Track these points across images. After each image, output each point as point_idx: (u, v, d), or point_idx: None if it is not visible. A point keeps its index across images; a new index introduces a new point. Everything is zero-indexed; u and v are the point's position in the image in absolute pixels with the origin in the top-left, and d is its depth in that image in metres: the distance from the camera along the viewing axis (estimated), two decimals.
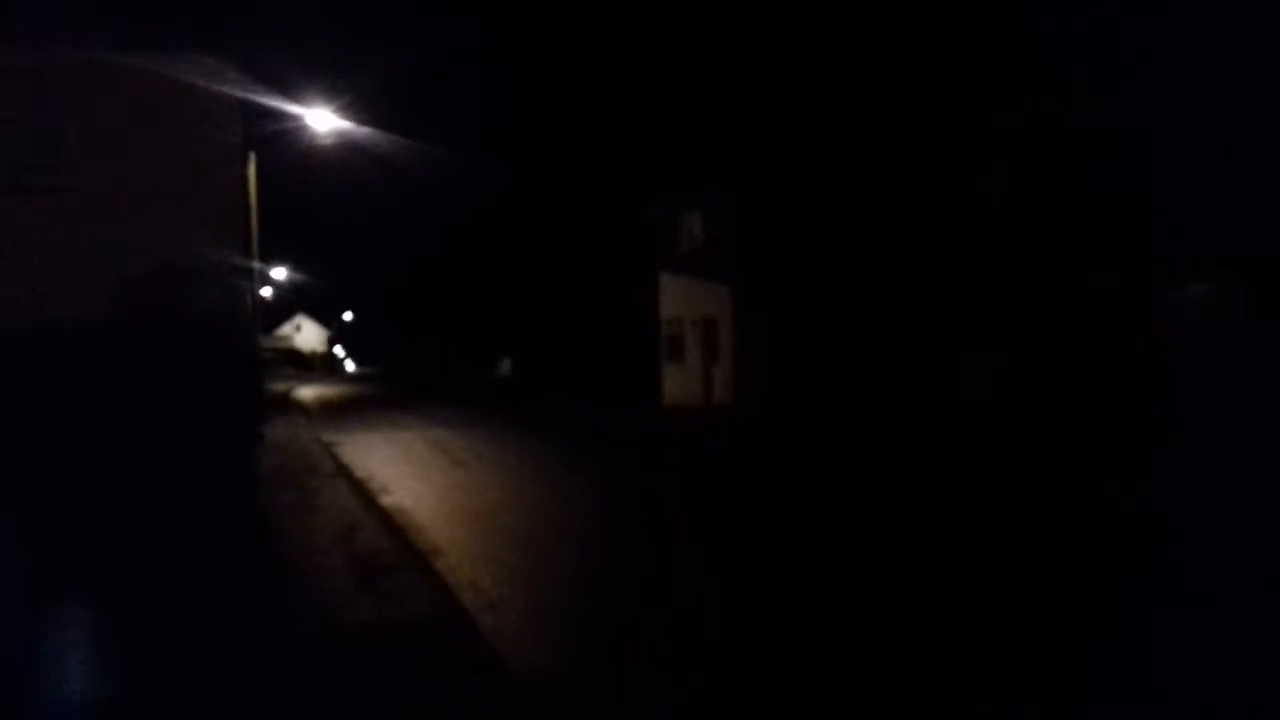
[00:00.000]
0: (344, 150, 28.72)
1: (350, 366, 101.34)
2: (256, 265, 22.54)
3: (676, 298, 32.31)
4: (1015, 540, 9.83)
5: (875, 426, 20.62)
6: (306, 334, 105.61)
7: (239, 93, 15.63)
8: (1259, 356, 16.07)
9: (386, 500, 12.64)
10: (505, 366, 54.07)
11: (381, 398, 41.41)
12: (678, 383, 31.92)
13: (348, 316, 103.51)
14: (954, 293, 22.67)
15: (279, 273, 54.50)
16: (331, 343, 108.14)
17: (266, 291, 46.17)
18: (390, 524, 10.79)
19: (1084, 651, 6.28)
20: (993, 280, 21.57)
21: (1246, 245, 16.21)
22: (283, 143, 21.71)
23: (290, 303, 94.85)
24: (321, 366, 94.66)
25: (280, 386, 47.44)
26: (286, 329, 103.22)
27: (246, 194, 18.44)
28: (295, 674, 5.98)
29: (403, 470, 15.87)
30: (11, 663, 5.41)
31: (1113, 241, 18.51)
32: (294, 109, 19.90)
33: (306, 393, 47.19)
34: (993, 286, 21.60)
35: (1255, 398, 15.69)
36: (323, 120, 20.97)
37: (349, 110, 21.62)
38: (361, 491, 13.24)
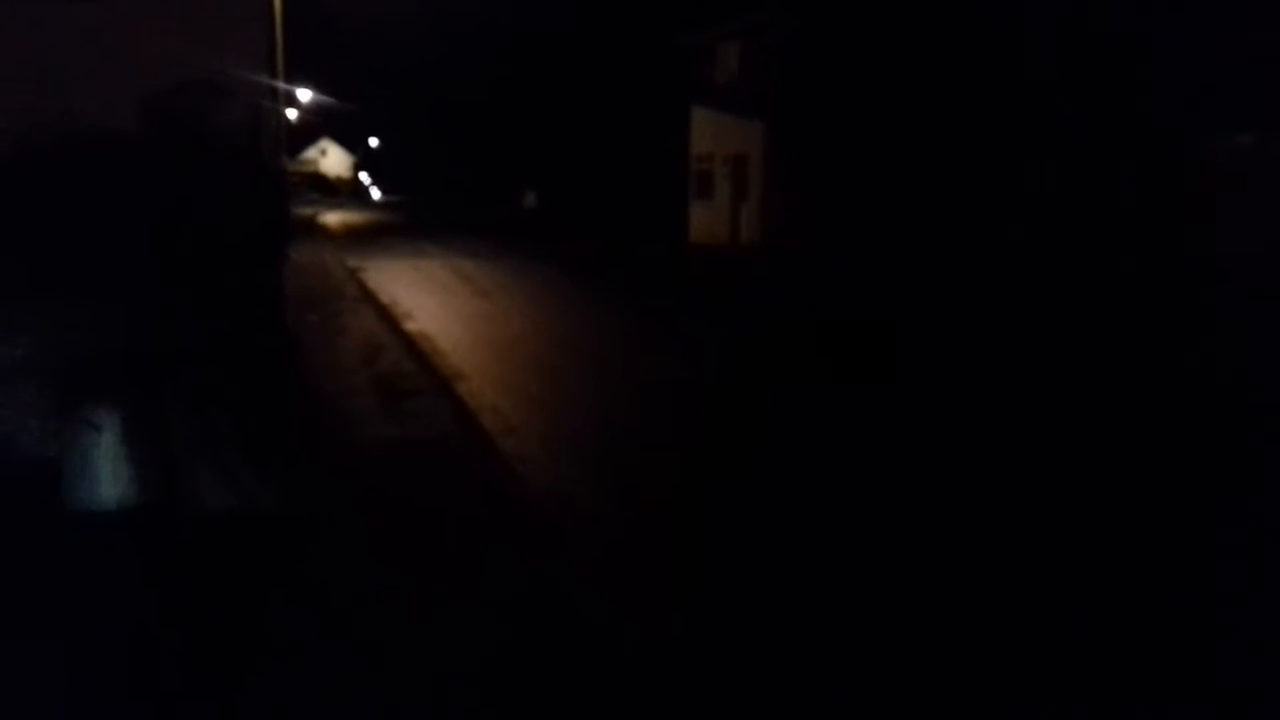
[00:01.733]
0: None
1: (376, 194, 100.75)
2: (282, 85, 22.11)
3: (708, 133, 31.66)
4: (1015, 392, 9.83)
5: (907, 271, 20.43)
6: (332, 159, 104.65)
7: None
8: None
9: (410, 325, 12.73)
10: (531, 199, 53.59)
11: (407, 226, 41.31)
12: (705, 221, 31.60)
13: (374, 143, 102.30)
14: (997, 139, 22.10)
15: (305, 95, 53.58)
16: (357, 169, 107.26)
17: (292, 114, 45.51)
18: (414, 348, 10.89)
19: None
20: (1034, 126, 20.99)
21: None
22: None
23: (316, 126, 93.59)
24: (347, 192, 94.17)
25: (306, 211, 47.32)
26: (312, 153, 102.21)
27: (270, 8, 17.91)
28: (319, 484, 6.12)
29: (427, 297, 15.93)
30: (40, 470, 5.54)
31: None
32: None
33: (332, 218, 47.10)
34: (1034, 133, 21.03)
35: None
36: None
37: None
38: (386, 316, 13.33)
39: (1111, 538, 5.62)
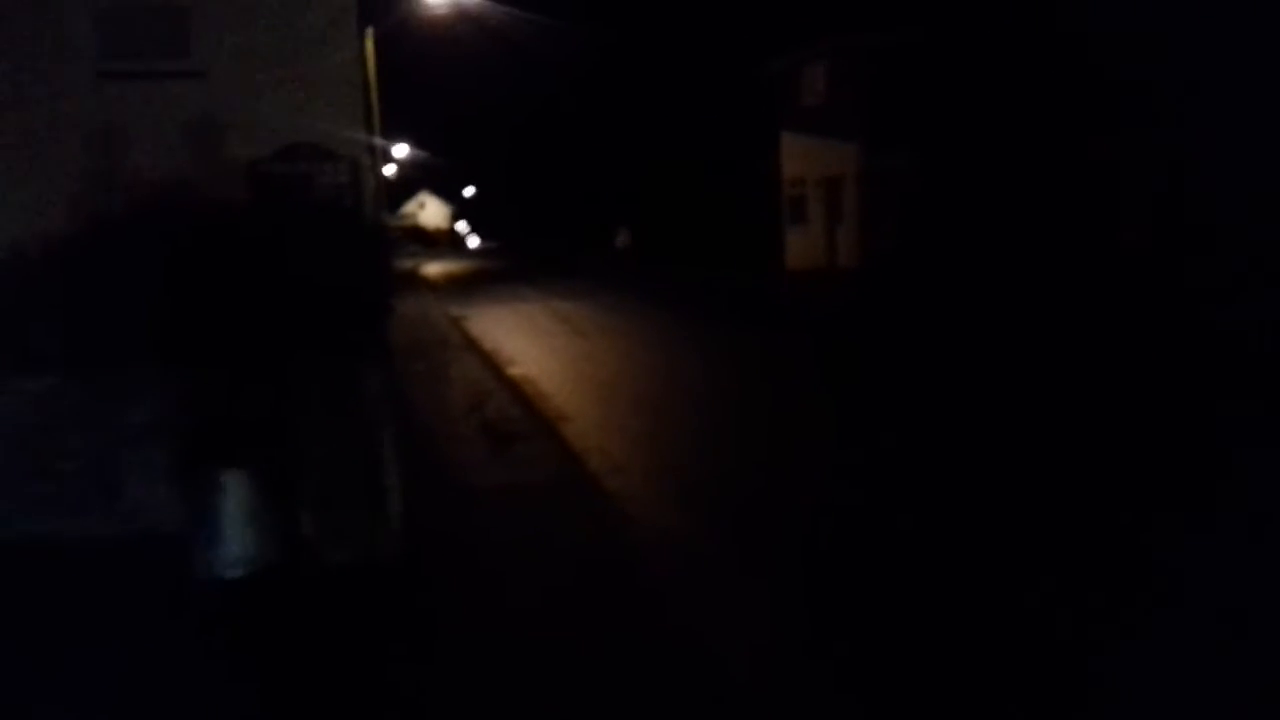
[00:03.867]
0: (458, 23, 28.53)
1: (473, 242, 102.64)
2: (379, 142, 22.79)
3: (798, 157, 31.52)
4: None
5: (1008, 293, 19.95)
6: (430, 211, 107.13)
7: None
8: None
9: (514, 370, 12.88)
10: (625, 237, 53.97)
11: (504, 272, 41.97)
12: (800, 246, 31.38)
13: (469, 192, 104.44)
14: (1100, 155, 21.48)
15: (401, 150, 55.06)
16: (455, 219, 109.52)
17: (390, 169, 46.79)
18: (518, 392, 11.01)
19: None
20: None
21: None
22: (399, 16, 21.67)
23: (413, 180, 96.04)
24: (445, 243, 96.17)
25: (407, 263, 48.48)
26: (410, 206, 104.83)
27: (366, 69, 18.50)
28: (431, 532, 6.20)
29: (528, 341, 16.13)
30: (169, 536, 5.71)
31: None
32: None
33: (432, 269, 48.14)
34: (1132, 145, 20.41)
35: None
36: None
37: None
38: (490, 362, 13.53)
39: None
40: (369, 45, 19.82)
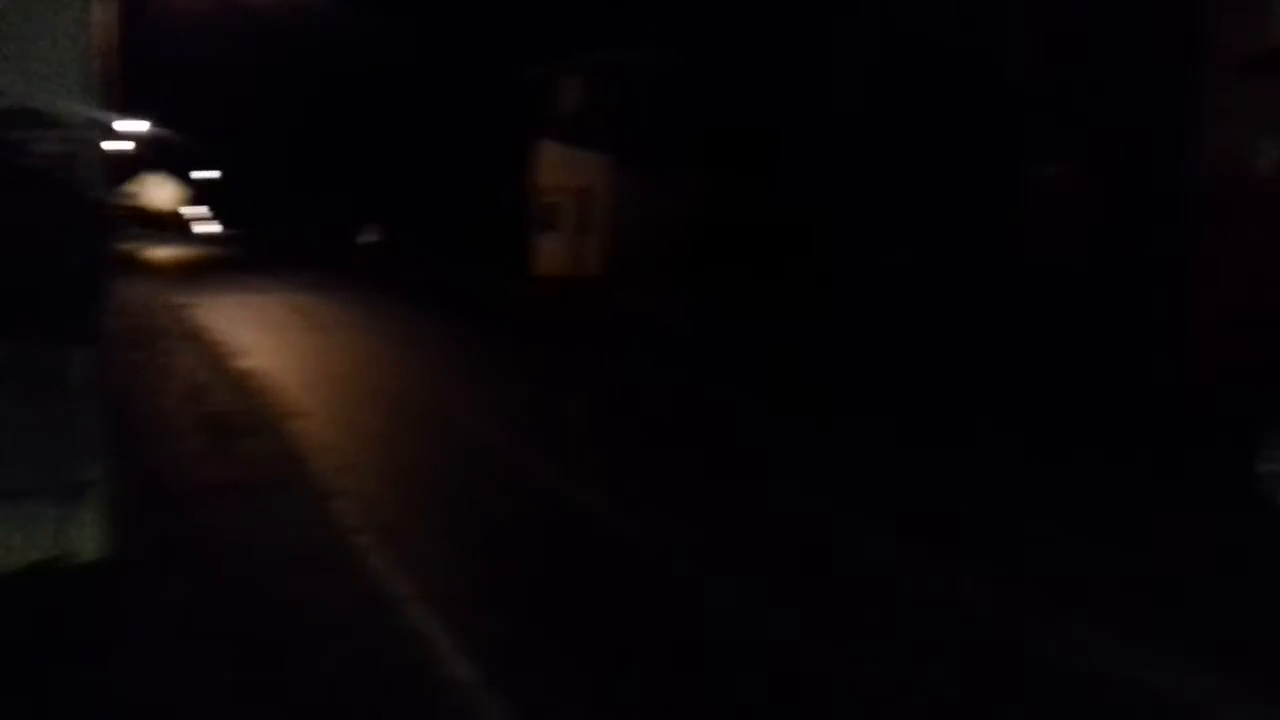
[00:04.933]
0: (208, 5, 27.08)
1: (211, 228, 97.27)
2: (109, 115, 21.21)
3: (556, 166, 31.82)
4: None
5: (749, 304, 20.87)
6: (166, 192, 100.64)
7: None
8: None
9: (242, 363, 12.32)
10: (375, 232, 52.64)
11: (242, 260, 40.05)
12: (549, 252, 31.69)
13: (212, 176, 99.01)
14: (842, 179, 22.77)
15: (140, 126, 51.42)
16: (193, 202, 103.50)
17: (124, 145, 43.62)
18: (244, 386, 10.55)
19: None
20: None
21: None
22: None
23: (150, 160, 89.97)
24: (180, 227, 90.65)
25: (134, 246, 45.35)
26: (144, 186, 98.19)
27: (91, 37, 17.19)
28: (135, 531, 5.88)
29: (260, 334, 15.46)
30: None
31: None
32: None
33: (162, 253, 45.24)
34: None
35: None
36: None
37: None
38: (215, 354, 12.88)
39: None
40: (97, 9, 18.45)
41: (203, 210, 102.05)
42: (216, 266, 36.01)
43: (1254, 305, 9.96)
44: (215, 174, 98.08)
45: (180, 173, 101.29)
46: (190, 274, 31.46)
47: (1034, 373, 12.36)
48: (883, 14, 21.09)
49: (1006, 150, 17.81)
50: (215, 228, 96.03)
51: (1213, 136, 11.37)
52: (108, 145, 23.15)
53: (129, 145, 48.35)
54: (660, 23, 27.63)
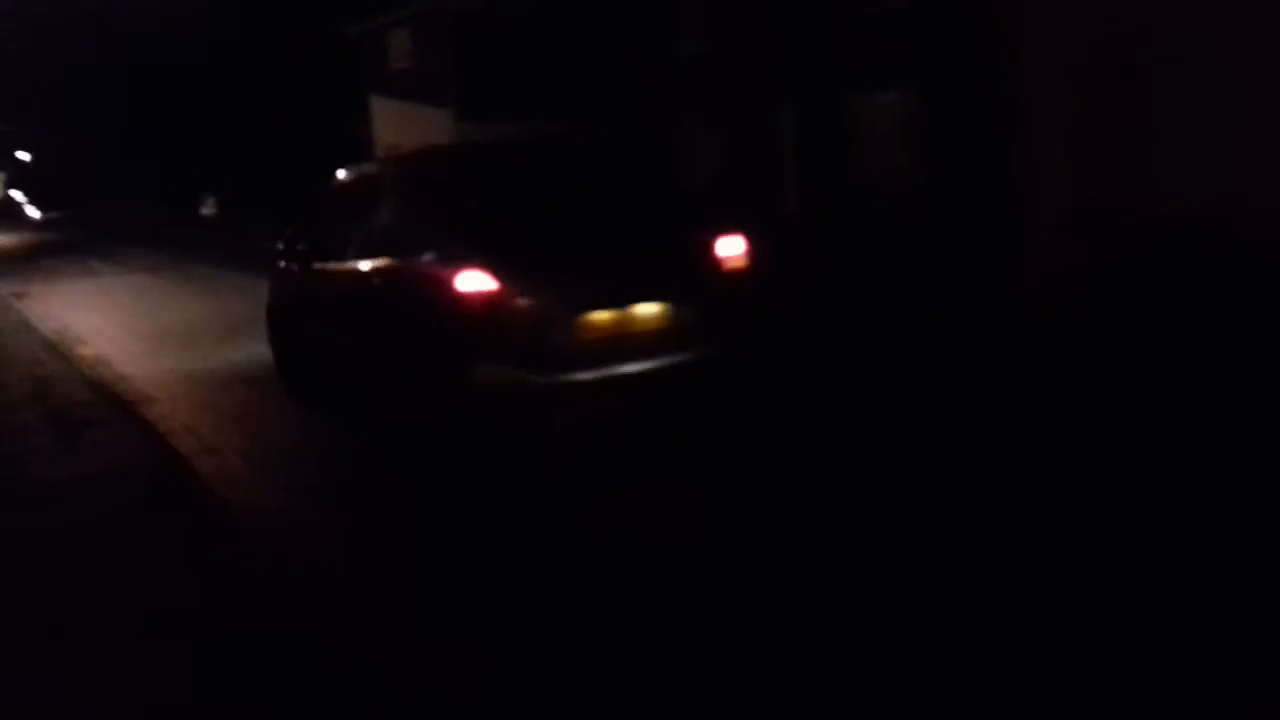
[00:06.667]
0: None
1: (33, 212, 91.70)
2: None
3: (392, 123, 31.05)
4: None
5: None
6: None
7: None
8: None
9: (85, 351, 11.79)
10: (211, 205, 50.55)
11: (72, 244, 37.95)
12: None
13: (24, 157, 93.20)
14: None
15: None
16: (8, 186, 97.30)
17: None
18: (89, 376, 10.11)
19: None
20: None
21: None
22: None
23: None
24: (5, 212, 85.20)
25: None
26: None
27: None
28: None
29: (101, 319, 14.82)
30: None
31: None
32: None
33: None
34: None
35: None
36: None
37: None
38: (55, 343, 12.27)
39: None
40: None
41: (19, 195, 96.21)
42: (46, 252, 34.14)
43: (1083, 206, 10.40)
44: (26, 157, 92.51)
45: None
46: (17, 262, 29.69)
47: (878, 297, 12.71)
48: None
49: (839, 78, 18.25)
50: (34, 212, 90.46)
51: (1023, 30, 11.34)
52: None
53: None
54: None
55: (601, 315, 6.24)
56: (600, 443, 6.64)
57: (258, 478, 6.64)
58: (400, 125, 30.36)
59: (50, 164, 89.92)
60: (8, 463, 7.05)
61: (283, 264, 9.16)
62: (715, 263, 6.66)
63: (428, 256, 6.51)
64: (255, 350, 10.63)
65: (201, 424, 8.06)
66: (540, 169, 7.52)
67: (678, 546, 5.09)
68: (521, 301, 6.02)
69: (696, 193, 16.61)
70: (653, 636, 4.11)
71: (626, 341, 6.29)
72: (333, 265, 7.91)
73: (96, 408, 8.56)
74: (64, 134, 78.66)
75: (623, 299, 6.31)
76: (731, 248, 6.75)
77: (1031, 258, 10.95)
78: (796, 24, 18.50)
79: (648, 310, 6.38)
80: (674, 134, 22.46)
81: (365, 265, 7.30)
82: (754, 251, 6.87)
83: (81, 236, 43.52)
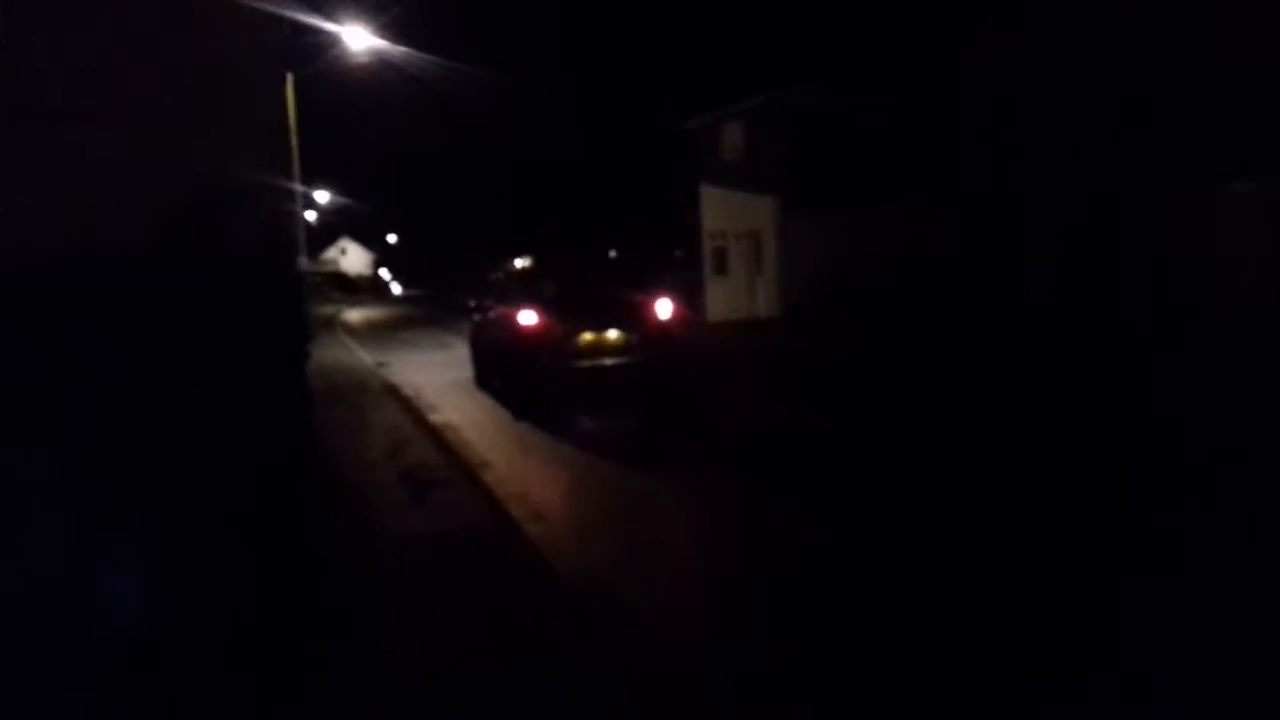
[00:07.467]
0: (384, 71, 28.55)
1: (396, 289, 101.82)
2: (299, 188, 22.60)
3: (720, 211, 32.03)
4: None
5: (926, 342, 20.42)
6: (352, 257, 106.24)
7: (276, 8, 15.51)
8: None
9: (435, 418, 12.79)
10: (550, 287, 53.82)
11: (427, 319, 41.68)
12: (722, 297, 31.81)
13: (392, 239, 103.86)
14: (1005, 201, 22.22)
15: (322, 196, 54.65)
16: (377, 265, 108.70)
17: (310, 215, 46.36)
18: (439, 439, 10.94)
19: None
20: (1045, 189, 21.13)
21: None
22: (322, 62, 21.65)
23: (335, 226, 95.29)
24: (367, 289, 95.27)
25: (328, 310, 47.92)
26: (332, 253, 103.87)
27: (286, 114, 18.37)
28: (338, 583, 6.14)
29: (449, 388, 16.05)
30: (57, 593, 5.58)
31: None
32: (332, 27, 19.82)
33: (354, 315, 47.65)
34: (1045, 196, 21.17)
35: None
36: (360, 39, 20.86)
37: (388, 30, 21.47)
38: (410, 409, 13.42)
39: None
40: (289, 89, 19.73)
41: (386, 273, 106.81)
42: (405, 325, 37.65)
43: None
44: (393, 238, 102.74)
45: (365, 238, 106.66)
46: (383, 334, 32.90)
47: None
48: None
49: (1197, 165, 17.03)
50: (397, 289, 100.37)
51: None
52: (306, 215, 24.54)
53: (316, 215, 51.25)
54: (816, 64, 27.77)
55: (589, 335, 12.41)
56: (587, 394, 12.54)
57: (573, 542, 6.88)
58: (727, 212, 31.25)
59: (411, 245, 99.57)
60: (369, 515, 7.70)
61: (475, 316, 16.17)
62: (650, 312, 12.87)
63: (515, 306, 12.91)
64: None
65: (532, 492, 8.48)
66: (571, 270, 15.03)
67: (616, 438, 11.28)
68: (552, 327, 12.36)
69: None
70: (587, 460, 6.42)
71: (601, 349, 12.44)
72: (490, 314, 14.75)
73: (443, 470, 9.23)
74: (421, 218, 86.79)
75: (600, 327, 12.45)
76: (662, 304, 13.02)
77: None
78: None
79: (612, 333, 12.50)
80: (1022, 214, 21.74)
81: (495, 313, 14.28)
82: (678, 307, 13.52)
83: (434, 312, 47.69)
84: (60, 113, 13.33)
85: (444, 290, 76.86)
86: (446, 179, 76.11)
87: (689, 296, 33.73)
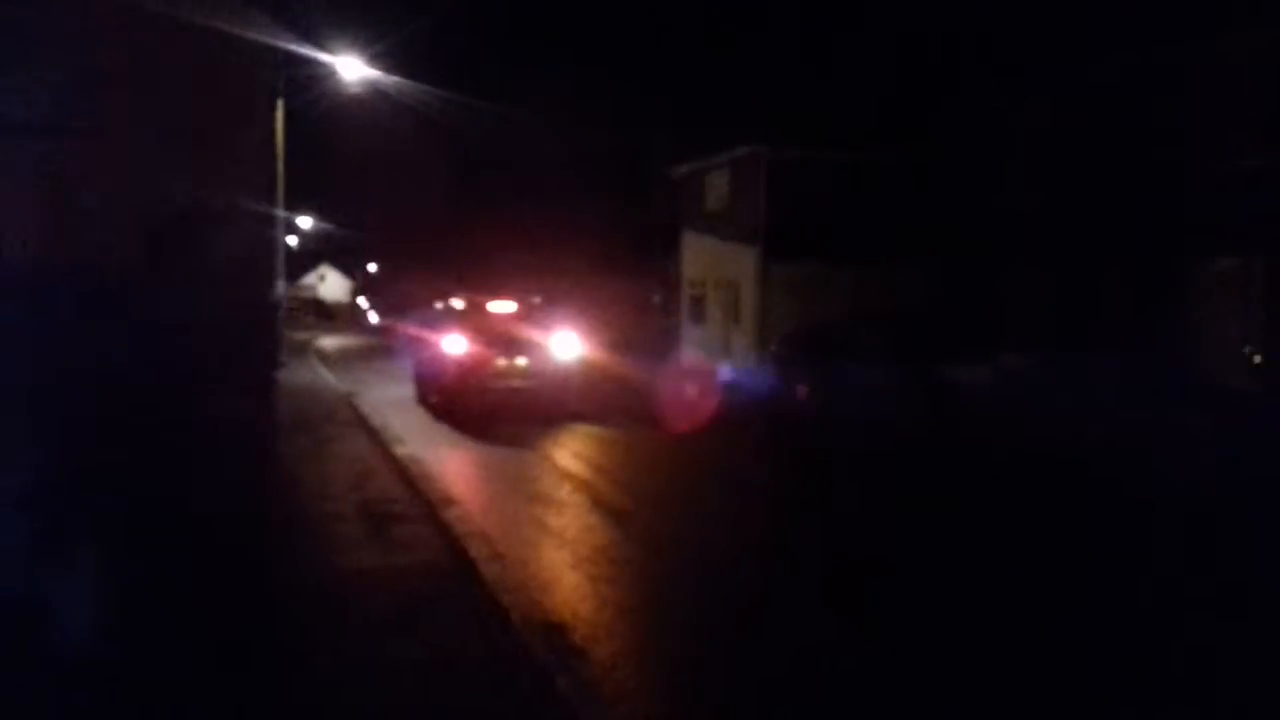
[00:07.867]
0: (373, 100, 28.68)
1: (373, 318, 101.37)
2: (282, 213, 22.62)
3: (701, 259, 32.18)
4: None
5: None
6: (331, 284, 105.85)
7: (268, 38, 15.64)
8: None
9: (400, 450, 12.72)
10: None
11: (401, 349, 41.45)
12: (697, 344, 31.91)
13: (373, 268, 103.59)
14: (991, 267, 22.47)
15: (305, 222, 54.46)
16: (356, 293, 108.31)
17: (292, 240, 46.27)
18: (403, 474, 10.88)
19: None
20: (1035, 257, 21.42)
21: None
22: (313, 91, 21.74)
23: (316, 253, 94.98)
24: (345, 316, 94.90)
25: (302, 336, 47.68)
26: (311, 278, 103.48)
27: (273, 141, 18.47)
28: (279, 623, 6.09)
29: (418, 421, 16.00)
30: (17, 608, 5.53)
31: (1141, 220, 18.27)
32: (324, 57, 19.92)
33: (329, 342, 47.37)
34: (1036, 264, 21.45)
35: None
36: (353, 69, 20.98)
37: (380, 60, 21.61)
38: (377, 440, 13.34)
39: None
40: (279, 116, 19.82)
41: (364, 301, 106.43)
42: (380, 355, 37.34)
43: None
44: (373, 267, 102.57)
45: (345, 265, 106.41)
46: (356, 362, 32.74)
47: None
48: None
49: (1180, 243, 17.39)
50: (374, 318, 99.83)
51: None
52: (288, 240, 24.53)
53: (297, 239, 51.14)
54: (804, 119, 28.14)
55: (503, 361, 16.19)
56: (500, 409, 15.82)
57: (540, 589, 6.85)
58: (709, 261, 31.40)
59: (390, 275, 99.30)
60: (323, 548, 7.65)
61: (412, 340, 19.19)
62: (552, 347, 16.61)
63: (446, 331, 16.72)
64: (557, 467, 11.02)
65: (493, 529, 8.45)
66: (496, 310, 17.58)
67: (521, 437, 13.81)
68: (475, 351, 16.08)
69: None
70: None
71: (511, 373, 16.19)
72: (427, 337, 17.98)
73: (404, 505, 9.18)
74: (400, 249, 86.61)
75: (511, 355, 16.27)
76: (563, 340, 16.76)
77: None
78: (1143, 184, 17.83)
79: (520, 361, 16.25)
80: (997, 280, 22.03)
81: (430, 336, 17.65)
82: (581, 343, 17.35)
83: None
84: (34, 127, 13.29)
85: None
86: (429, 209, 75.98)
87: (664, 342, 33.92)
